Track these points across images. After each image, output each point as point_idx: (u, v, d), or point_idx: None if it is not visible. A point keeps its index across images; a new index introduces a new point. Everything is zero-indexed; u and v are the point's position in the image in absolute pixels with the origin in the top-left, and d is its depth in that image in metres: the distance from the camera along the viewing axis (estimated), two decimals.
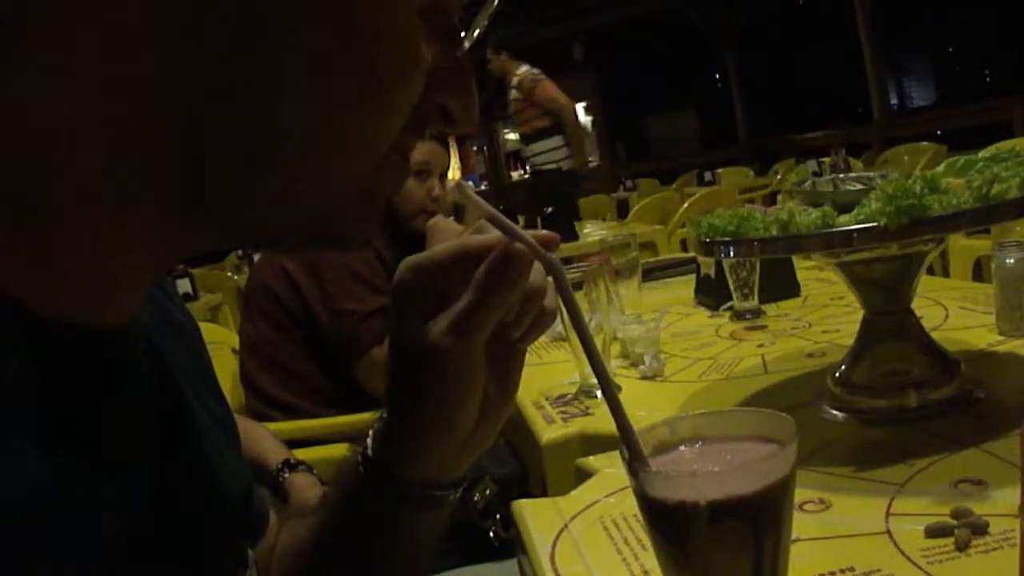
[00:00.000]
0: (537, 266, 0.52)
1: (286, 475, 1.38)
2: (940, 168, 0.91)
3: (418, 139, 0.46)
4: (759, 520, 0.48)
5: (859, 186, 0.92)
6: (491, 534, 1.25)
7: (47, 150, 0.36)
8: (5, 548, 0.32)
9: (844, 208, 0.85)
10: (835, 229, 0.81)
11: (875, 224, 0.78)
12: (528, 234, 0.51)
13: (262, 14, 0.37)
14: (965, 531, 0.64)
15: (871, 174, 0.96)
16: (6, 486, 0.33)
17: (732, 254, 0.90)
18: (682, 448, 0.53)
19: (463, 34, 0.44)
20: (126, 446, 0.40)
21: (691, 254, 2.33)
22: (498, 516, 1.24)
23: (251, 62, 0.37)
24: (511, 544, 1.08)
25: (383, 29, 0.39)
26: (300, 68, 0.38)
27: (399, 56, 0.40)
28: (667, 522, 0.50)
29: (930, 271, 1.15)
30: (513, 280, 0.50)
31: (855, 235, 0.79)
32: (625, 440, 0.50)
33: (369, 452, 0.58)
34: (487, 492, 1.24)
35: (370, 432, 0.58)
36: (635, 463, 0.49)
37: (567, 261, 2.27)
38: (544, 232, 0.52)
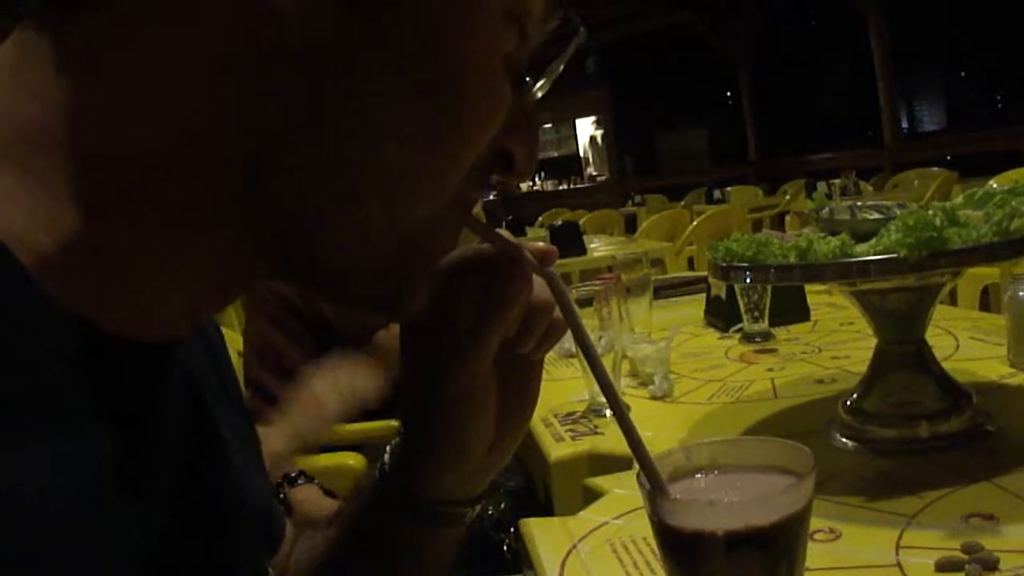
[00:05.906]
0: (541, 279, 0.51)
1: (287, 489, 1.38)
2: (958, 200, 0.91)
3: (481, 193, 0.45)
4: (774, 550, 0.48)
5: (877, 215, 0.92)
6: (505, 547, 1.25)
7: (126, 161, 0.36)
8: (32, 552, 0.32)
9: (861, 237, 0.85)
10: (853, 259, 0.81)
11: (894, 255, 0.78)
12: (526, 248, 0.50)
13: (355, 50, 0.37)
14: (975, 567, 0.64)
15: (888, 203, 0.97)
16: (29, 490, 0.33)
17: (749, 280, 0.90)
18: (698, 476, 0.53)
19: (531, 81, 0.44)
20: (157, 459, 0.41)
21: (701, 273, 2.33)
22: (512, 529, 1.24)
23: (339, 96, 0.37)
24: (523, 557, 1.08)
25: (472, 72, 0.39)
26: (385, 105, 0.38)
27: (484, 100, 0.40)
28: (682, 549, 0.50)
29: None
30: (511, 298, 0.50)
31: (873, 266, 0.80)
32: (642, 465, 0.49)
33: (386, 468, 0.58)
34: (501, 505, 1.24)
35: (387, 448, 0.58)
36: (654, 491, 0.49)
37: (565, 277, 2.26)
38: (541, 245, 0.51)
